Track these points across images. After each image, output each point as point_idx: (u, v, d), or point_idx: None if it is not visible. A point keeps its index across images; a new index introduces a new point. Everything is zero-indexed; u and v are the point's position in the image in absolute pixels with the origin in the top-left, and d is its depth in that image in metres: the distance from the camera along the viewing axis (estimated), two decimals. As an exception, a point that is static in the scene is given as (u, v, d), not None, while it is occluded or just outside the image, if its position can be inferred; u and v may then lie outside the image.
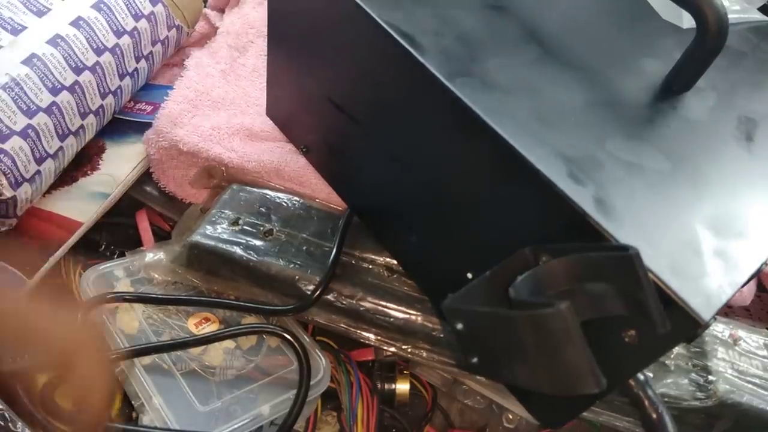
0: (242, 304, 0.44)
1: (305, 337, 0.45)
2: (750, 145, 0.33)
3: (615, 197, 0.28)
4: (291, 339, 0.43)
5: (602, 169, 0.29)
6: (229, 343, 0.43)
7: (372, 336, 0.43)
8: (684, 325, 0.25)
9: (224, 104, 0.56)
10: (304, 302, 0.42)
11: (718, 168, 0.32)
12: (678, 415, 0.41)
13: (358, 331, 0.43)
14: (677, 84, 0.34)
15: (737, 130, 0.34)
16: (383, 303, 0.43)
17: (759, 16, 0.41)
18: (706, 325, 0.25)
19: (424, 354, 0.43)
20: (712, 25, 0.31)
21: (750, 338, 0.45)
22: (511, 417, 0.48)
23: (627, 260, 0.24)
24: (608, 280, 0.25)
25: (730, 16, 0.32)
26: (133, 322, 0.44)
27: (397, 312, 0.42)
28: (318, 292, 0.42)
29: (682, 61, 0.34)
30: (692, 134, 0.33)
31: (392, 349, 0.43)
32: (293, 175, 0.50)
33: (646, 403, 0.28)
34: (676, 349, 0.43)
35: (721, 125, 0.34)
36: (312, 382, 0.42)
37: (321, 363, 0.43)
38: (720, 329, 0.45)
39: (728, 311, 0.55)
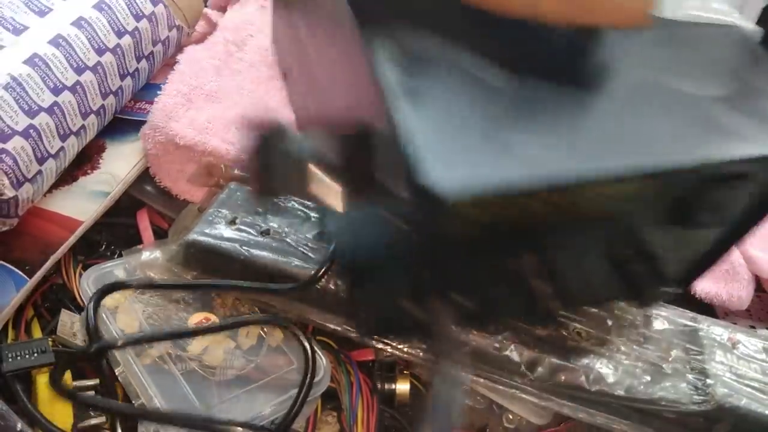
0: (244, 285, 0.44)
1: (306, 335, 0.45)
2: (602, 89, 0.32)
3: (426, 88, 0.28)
4: (296, 332, 0.43)
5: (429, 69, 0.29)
6: (229, 343, 0.44)
7: (370, 335, 0.43)
8: (433, 203, 0.24)
9: (218, 97, 0.56)
10: (308, 281, 0.42)
11: (559, 95, 0.31)
12: (676, 419, 0.41)
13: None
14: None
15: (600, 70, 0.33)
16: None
17: (730, 20, 0.39)
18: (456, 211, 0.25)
19: (421, 354, 0.43)
20: None
21: (749, 342, 0.45)
22: (511, 417, 0.48)
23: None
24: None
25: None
26: (133, 323, 0.44)
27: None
28: (321, 271, 0.42)
29: None
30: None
31: (388, 348, 0.43)
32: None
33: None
34: (674, 352, 0.43)
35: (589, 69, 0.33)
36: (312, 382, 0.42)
37: (321, 363, 0.43)
38: (718, 333, 0.45)
39: (727, 313, 0.55)
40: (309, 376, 0.41)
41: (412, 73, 0.29)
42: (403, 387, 0.47)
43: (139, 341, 0.41)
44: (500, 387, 0.43)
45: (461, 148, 0.26)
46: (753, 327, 0.54)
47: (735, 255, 0.54)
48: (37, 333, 0.45)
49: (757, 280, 0.55)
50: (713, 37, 0.35)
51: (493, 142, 0.27)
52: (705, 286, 0.53)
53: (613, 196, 0.29)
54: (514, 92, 0.30)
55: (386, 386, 0.47)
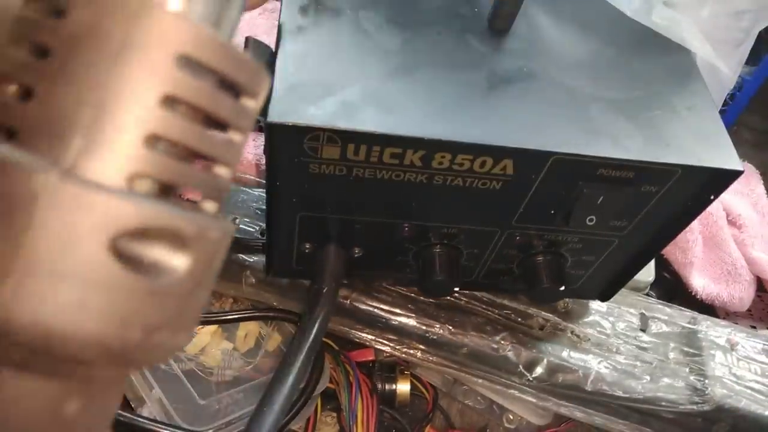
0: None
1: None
2: (493, 88, 0.31)
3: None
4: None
5: None
6: (226, 344, 0.44)
7: (367, 336, 0.43)
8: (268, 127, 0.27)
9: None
10: None
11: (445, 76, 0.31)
12: (675, 419, 0.41)
13: (353, 331, 0.43)
14: (497, 25, 0.33)
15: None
16: (376, 305, 0.43)
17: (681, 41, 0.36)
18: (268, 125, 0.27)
19: (419, 354, 0.43)
20: None
21: (748, 343, 0.45)
22: (511, 417, 0.48)
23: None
24: None
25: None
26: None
27: (390, 314, 0.43)
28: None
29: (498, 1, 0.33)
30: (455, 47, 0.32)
31: (387, 348, 0.43)
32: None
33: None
34: (672, 354, 0.43)
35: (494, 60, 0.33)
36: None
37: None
38: (718, 334, 0.45)
39: (728, 313, 0.55)
40: (314, 377, 0.42)
41: (308, 13, 0.31)
42: (403, 387, 0.47)
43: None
44: (499, 387, 0.43)
45: (311, 88, 0.28)
46: (754, 327, 0.54)
47: (737, 257, 0.54)
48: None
49: (759, 281, 0.55)
50: (655, 48, 0.35)
51: (345, 91, 0.28)
52: (707, 287, 0.53)
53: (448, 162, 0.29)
54: (399, 56, 0.30)
55: (387, 386, 0.47)
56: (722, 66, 0.34)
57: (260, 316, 0.45)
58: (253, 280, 0.43)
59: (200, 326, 0.44)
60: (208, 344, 0.43)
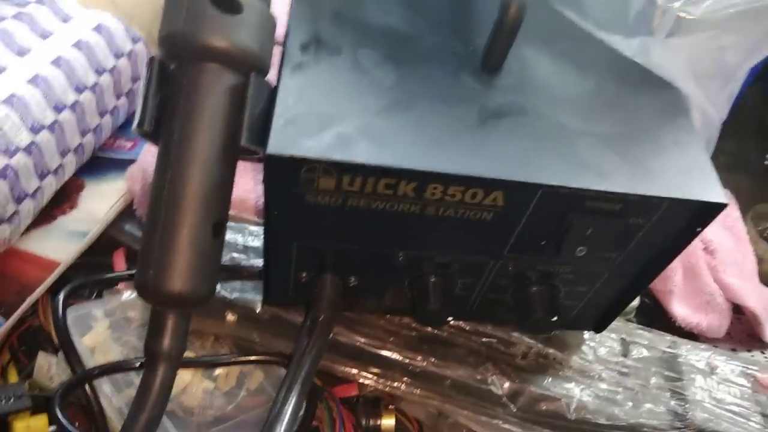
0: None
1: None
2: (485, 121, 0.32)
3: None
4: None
5: None
6: (208, 384, 0.43)
7: (350, 370, 0.43)
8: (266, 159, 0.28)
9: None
10: None
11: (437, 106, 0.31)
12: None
13: (335, 365, 0.43)
14: (490, 62, 0.34)
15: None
16: (358, 338, 0.43)
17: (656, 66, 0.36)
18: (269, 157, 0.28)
19: (403, 387, 0.43)
20: (511, 8, 0.31)
21: (727, 366, 0.46)
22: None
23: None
24: None
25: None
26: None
27: (372, 347, 0.42)
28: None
29: (490, 39, 0.33)
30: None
31: (370, 382, 0.43)
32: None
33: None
34: (653, 379, 0.44)
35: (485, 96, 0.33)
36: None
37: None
38: (698, 357, 0.46)
39: (705, 339, 0.56)
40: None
41: (308, 50, 0.32)
42: (388, 422, 0.46)
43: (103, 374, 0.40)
44: (483, 418, 0.43)
45: (308, 121, 0.29)
46: (734, 349, 0.55)
47: (716, 287, 0.55)
48: (13, 377, 0.44)
49: (733, 305, 0.56)
50: (645, 86, 0.36)
51: (341, 125, 0.29)
52: (687, 317, 0.54)
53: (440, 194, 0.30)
54: (394, 92, 0.31)
55: (371, 422, 0.46)
56: (710, 108, 0.35)
57: (250, 361, 0.44)
58: (235, 317, 0.43)
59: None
60: (189, 383, 0.42)
